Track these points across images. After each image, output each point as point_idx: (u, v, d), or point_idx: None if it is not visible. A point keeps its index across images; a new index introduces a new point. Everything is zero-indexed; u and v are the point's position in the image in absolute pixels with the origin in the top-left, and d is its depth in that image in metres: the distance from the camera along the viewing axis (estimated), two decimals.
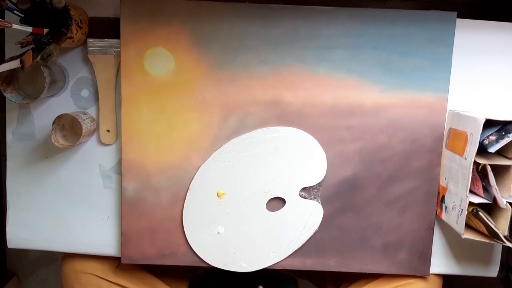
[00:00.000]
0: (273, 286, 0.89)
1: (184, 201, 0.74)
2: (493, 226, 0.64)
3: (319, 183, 0.74)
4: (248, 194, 0.74)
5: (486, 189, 0.65)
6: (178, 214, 0.75)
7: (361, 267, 0.76)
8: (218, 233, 0.75)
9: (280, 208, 0.75)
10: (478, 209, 0.65)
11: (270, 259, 0.76)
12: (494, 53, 0.73)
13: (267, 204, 0.75)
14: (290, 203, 0.74)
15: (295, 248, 0.75)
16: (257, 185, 0.74)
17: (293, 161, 0.74)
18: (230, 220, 0.75)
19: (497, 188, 0.63)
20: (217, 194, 0.73)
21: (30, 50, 0.62)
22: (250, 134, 0.73)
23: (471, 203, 0.65)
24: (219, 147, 0.73)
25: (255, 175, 0.74)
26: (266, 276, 0.87)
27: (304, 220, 0.75)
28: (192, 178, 0.74)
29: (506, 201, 0.63)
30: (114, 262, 0.79)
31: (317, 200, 0.74)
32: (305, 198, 0.74)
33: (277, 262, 0.76)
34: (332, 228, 0.75)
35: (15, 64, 0.62)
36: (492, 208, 0.67)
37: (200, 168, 0.73)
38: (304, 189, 0.74)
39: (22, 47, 0.64)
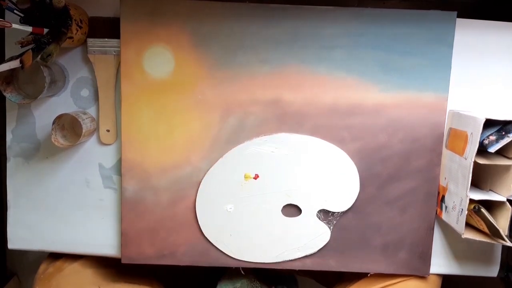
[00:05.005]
0: (274, 284, 0.89)
1: (207, 172, 0.74)
2: (495, 224, 0.64)
3: (340, 212, 0.74)
4: (272, 188, 0.74)
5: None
6: (178, 214, 0.75)
7: (361, 267, 0.76)
8: (228, 211, 0.74)
9: (293, 216, 0.75)
10: (480, 207, 0.65)
11: (262, 256, 0.76)
12: (494, 53, 0.73)
13: (284, 206, 0.75)
14: (304, 217, 0.74)
15: (285, 259, 0.75)
16: (284, 185, 0.74)
17: (327, 181, 0.74)
18: (243, 204, 0.74)
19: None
20: (244, 176, 0.72)
21: (30, 50, 0.62)
22: (302, 137, 0.73)
23: (472, 200, 0.65)
24: (267, 135, 0.73)
25: (286, 174, 0.74)
26: (266, 275, 0.87)
27: (308, 239, 0.75)
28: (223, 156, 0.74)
29: (507, 198, 0.63)
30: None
31: (330, 226, 0.74)
32: (320, 219, 0.74)
33: (272, 262, 0.76)
34: (332, 228, 0.75)
35: (15, 64, 0.62)
36: (492, 207, 0.67)
37: (235, 149, 0.73)
38: (323, 211, 0.74)
39: (22, 46, 0.64)
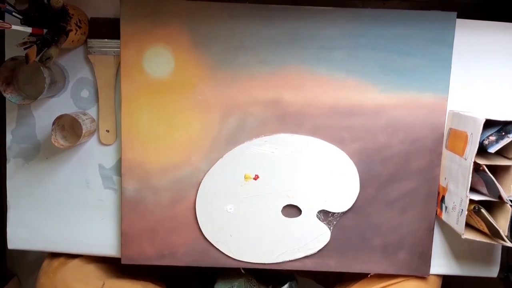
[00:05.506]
0: (273, 284, 0.89)
1: (207, 173, 0.74)
2: (495, 224, 0.64)
3: (340, 213, 0.74)
4: (272, 189, 0.74)
5: (490, 186, 0.65)
6: (178, 214, 0.75)
7: (361, 267, 0.76)
8: (228, 211, 0.74)
9: (293, 216, 0.75)
10: (480, 207, 0.65)
11: (262, 257, 0.76)
12: (494, 53, 0.73)
13: (284, 206, 0.75)
14: (304, 218, 0.74)
15: (285, 260, 0.75)
16: (284, 185, 0.74)
17: (327, 181, 0.74)
18: (243, 204, 0.74)
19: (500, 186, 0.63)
20: (244, 176, 0.72)
21: (35, 45, 0.62)
22: (302, 137, 0.73)
23: (472, 201, 0.65)
24: (267, 135, 0.73)
25: (286, 175, 0.74)
26: (266, 274, 0.87)
27: (308, 239, 0.75)
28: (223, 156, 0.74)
29: (508, 199, 0.63)
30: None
31: (330, 227, 0.74)
32: (320, 220, 0.74)
33: (272, 263, 0.76)
34: (332, 229, 0.75)
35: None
36: (492, 208, 0.67)
37: (235, 149, 0.73)
38: (323, 212, 0.74)
39: (24, 49, 0.64)
